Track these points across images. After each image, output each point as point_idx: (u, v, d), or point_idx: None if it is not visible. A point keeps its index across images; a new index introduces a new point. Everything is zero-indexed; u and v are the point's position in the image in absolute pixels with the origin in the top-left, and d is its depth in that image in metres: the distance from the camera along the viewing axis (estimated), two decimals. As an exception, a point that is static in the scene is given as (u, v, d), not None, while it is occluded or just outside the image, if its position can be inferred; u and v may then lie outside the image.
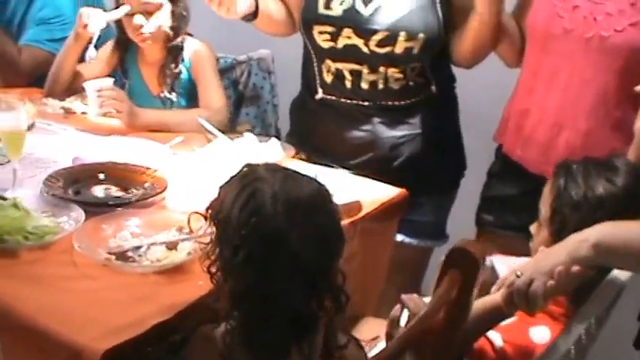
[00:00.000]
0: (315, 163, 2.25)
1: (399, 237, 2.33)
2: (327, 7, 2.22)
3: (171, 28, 2.53)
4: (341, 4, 2.20)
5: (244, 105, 2.89)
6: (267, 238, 1.28)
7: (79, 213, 1.75)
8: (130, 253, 1.62)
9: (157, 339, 1.39)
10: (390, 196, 2.10)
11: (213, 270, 1.35)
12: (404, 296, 1.51)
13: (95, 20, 2.51)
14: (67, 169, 2.02)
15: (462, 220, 2.41)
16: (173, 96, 2.62)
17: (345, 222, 1.88)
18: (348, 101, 2.28)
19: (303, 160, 2.29)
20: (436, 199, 2.38)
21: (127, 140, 2.31)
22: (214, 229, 1.35)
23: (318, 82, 2.32)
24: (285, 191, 1.30)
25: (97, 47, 2.58)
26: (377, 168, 2.25)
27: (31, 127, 2.40)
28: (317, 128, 2.39)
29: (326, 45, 2.24)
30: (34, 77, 2.84)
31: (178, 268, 1.58)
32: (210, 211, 1.37)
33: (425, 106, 2.29)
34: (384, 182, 2.15)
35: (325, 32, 2.23)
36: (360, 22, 2.18)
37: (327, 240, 1.33)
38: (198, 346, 1.40)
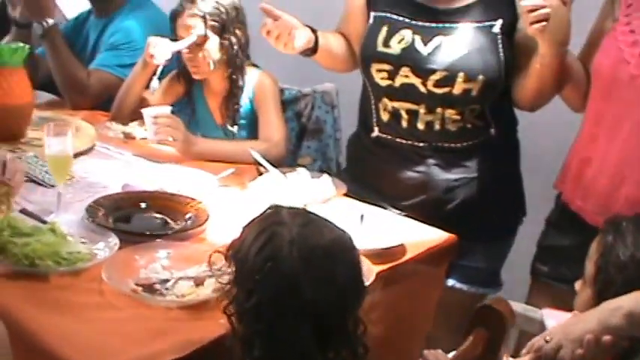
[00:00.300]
0: (366, 201, 2.23)
1: (450, 282, 2.29)
2: (386, 44, 2.21)
3: (227, 60, 2.56)
4: (400, 42, 2.19)
5: (306, 138, 2.88)
6: (280, 285, 1.28)
7: (115, 241, 1.78)
8: (157, 286, 1.63)
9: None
10: (438, 241, 2.05)
11: (231, 310, 1.35)
12: (426, 351, 1.48)
13: (161, 51, 2.57)
14: (111, 195, 2.06)
15: (518, 268, 2.35)
16: (235, 128, 2.65)
17: (387, 266, 1.89)
18: (403, 141, 2.25)
19: (353, 197, 2.26)
20: (490, 246, 2.32)
21: (178, 169, 2.33)
22: (233, 268, 1.35)
23: (374, 120, 2.31)
24: (303, 237, 1.30)
25: (161, 78, 2.65)
26: (430, 210, 2.21)
27: (89, 150, 2.48)
28: (371, 166, 2.37)
29: (384, 83, 2.23)
30: (101, 100, 2.91)
31: (202, 304, 1.58)
32: (230, 250, 1.37)
33: (483, 150, 2.25)
34: (437, 225, 2.11)
35: (383, 70, 2.22)
36: (418, 61, 2.16)
37: (344, 289, 1.31)
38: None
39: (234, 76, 2.60)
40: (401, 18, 2.20)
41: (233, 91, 2.62)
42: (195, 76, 2.63)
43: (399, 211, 2.24)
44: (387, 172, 2.31)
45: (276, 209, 1.38)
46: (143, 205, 2.03)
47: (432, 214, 2.16)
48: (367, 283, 1.70)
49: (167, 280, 1.65)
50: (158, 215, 2.00)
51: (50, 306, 1.56)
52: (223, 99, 2.65)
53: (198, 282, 1.64)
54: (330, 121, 2.87)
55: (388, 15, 2.23)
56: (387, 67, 2.21)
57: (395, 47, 2.19)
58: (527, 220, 2.41)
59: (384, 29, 2.22)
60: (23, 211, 1.90)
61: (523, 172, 2.41)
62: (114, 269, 1.66)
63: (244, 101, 2.64)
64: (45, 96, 3.08)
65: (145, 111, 2.46)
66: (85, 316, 1.54)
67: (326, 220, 1.39)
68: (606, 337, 1.38)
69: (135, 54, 2.83)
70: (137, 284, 1.63)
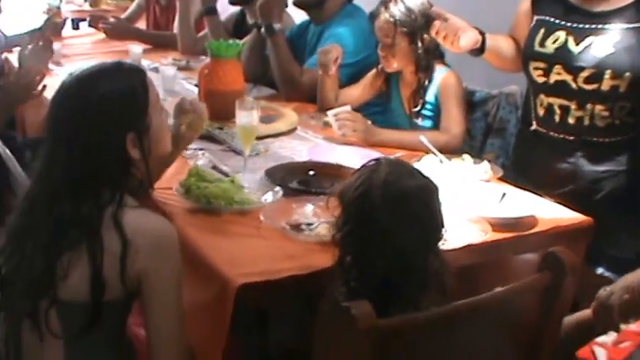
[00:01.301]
0: (518, 187, 2.52)
1: (599, 270, 2.51)
2: (542, 44, 2.53)
3: (414, 60, 2.99)
4: (554, 42, 2.49)
5: (491, 136, 3.20)
6: (364, 217, 1.66)
7: (280, 194, 2.25)
8: (303, 227, 2.07)
9: (290, 287, 1.84)
10: (571, 221, 2.29)
11: (336, 240, 1.75)
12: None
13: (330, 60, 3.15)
14: (289, 163, 2.56)
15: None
16: (419, 119, 3.05)
17: (513, 234, 2.19)
18: (555, 135, 2.55)
19: (507, 182, 2.56)
20: (640, 237, 2.52)
21: (356, 150, 2.77)
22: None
23: (533, 114, 2.62)
24: (389, 181, 1.67)
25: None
26: (578, 200, 2.44)
27: (290, 132, 3.00)
28: (529, 157, 2.69)
29: (540, 80, 2.55)
30: (312, 95, 3.43)
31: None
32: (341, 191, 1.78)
33: (632, 145, 2.47)
34: (586, 214, 2.34)
35: (539, 68, 2.54)
36: (569, 59, 2.45)
37: (422, 225, 1.67)
38: (326, 303, 1.80)
39: (419, 75, 3.02)
40: (557, 20, 2.51)
41: (419, 87, 3.04)
42: (386, 69, 3.10)
43: (550, 199, 2.52)
44: (541, 163, 2.61)
45: (379, 160, 1.77)
46: (312, 172, 2.49)
47: (580, 204, 2.39)
48: (476, 241, 2.06)
49: (312, 224, 2.09)
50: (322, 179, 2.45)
51: (215, 232, 2.07)
52: (412, 92, 3.08)
53: (335, 225, 2.06)
54: (513, 121, 3.17)
55: (546, 18, 2.55)
56: (542, 65, 2.52)
57: (549, 47, 2.50)
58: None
59: (542, 31, 2.54)
60: (214, 167, 2.43)
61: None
62: (272, 212, 2.13)
63: (430, 96, 3.03)
64: (268, 91, 3.68)
65: (329, 112, 2.95)
66: (238, 241, 2.03)
67: (418, 172, 1.74)
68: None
69: (345, 56, 3.31)
70: (287, 224, 2.09)
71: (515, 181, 2.59)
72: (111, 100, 1.77)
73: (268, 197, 2.25)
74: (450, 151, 2.77)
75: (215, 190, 2.16)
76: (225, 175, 2.37)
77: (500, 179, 2.58)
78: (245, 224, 2.11)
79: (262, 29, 3.57)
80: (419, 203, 1.68)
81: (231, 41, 3.15)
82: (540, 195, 2.49)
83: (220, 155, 2.66)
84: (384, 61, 3.07)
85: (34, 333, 1.72)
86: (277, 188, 2.27)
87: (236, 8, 4.33)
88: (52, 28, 4.59)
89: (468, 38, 2.63)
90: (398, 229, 1.65)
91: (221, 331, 1.79)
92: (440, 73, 3.03)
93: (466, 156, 2.68)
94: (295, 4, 3.70)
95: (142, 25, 5.21)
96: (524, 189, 2.49)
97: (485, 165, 2.61)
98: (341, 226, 1.72)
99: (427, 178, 1.74)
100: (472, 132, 3.19)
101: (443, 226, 1.73)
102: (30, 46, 3.56)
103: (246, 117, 2.47)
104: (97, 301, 1.71)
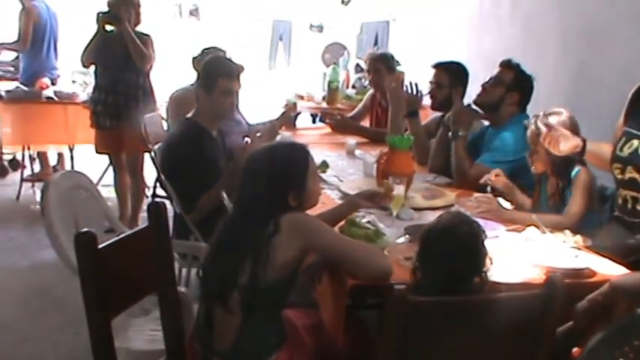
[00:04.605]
0: (596, 253, 3.62)
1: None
2: (621, 150, 3.73)
3: (551, 166, 4.23)
4: (629, 148, 3.68)
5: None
6: (425, 247, 2.91)
7: (408, 239, 3.64)
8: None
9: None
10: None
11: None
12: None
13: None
14: (423, 223, 3.92)
15: None
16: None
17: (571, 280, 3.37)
18: (627, 218, 3.71)
19: (591, 250, 3.71)
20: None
21: (488, 222, 4.06)
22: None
23: (616, 204, 3.80)
24: (444, 227, 2.89)
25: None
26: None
27: (447, 207, 4.37)
28: (611, 235, 3.85)
29: (619, 177, 3.74)
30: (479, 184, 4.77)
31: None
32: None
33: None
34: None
35: (617, 167, 3.74)
36: (637, 162, 3.63)
37: (462, 256, 2.85)
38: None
39: (557, 179, 4.26)
40: (635, 131, 3.69)
41: (556, 191, 4.26)
42: (534, 171, 4.37)
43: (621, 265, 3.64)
44: (616, 239, 3.75)
45: (446, 214, 3.09)
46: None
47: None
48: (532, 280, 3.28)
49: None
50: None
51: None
52: (552, 193, 4.32)
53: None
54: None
55: (628, 129, 3.74)
56: (620, 165, 3.72)
57: (625, 152, 3.69)
58: None
59: (623, 139, 3.73)
60: (369, 222, 3.86)
61: None
62: (395, 249, 3.47)
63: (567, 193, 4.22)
64: (445, 179, 5.12)
65: (473, 196, 4.32)
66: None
67: (472, 223, 2.91)
68: (598, 298, 2.80)
69: (506, 155, 4.71)
70: (402, 256, 3.45)
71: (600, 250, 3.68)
72: (280, 163, 3.16)
73: (399, 241, 3.66)
74: (564, 228, 3.90)
75: (360, 233, 3.60)
76: (374, 226, 3.80)
77: (588, 248, 3.71)
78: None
79: (450, 133, 5.04)
80: (464, 244, 2.82)
81: (405, 136, 4.62)
82: (614, 261, 3.54)
83: (381, 216, 4.08)
84: (532, 164, 4.32)
85: (221, 309, 3.04)
86: (407, 235, 3.67)
87: (438, 113, 5.84)
88: (286, 119, 6.29)
89: (568, 144, 3.87)
90: (444, 257, 2.84)
91: (340, 311, 3.18)
92: (575, 171, 4.18)
93: (567, 231, 3.89)
94: (475, 102, 5.15)
95: (366, 122, 6.82)
96: (602, 255, 3.59)
97: (578, 237, 3.81)
98: (416, 255, 3.01)
99: (476, 227, 2.93)
100: (602, 220, 4.39)
101: (483, 260, 2.87)
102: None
103: (398, 189, 3.92)
104: (267, 286, 2.97)
